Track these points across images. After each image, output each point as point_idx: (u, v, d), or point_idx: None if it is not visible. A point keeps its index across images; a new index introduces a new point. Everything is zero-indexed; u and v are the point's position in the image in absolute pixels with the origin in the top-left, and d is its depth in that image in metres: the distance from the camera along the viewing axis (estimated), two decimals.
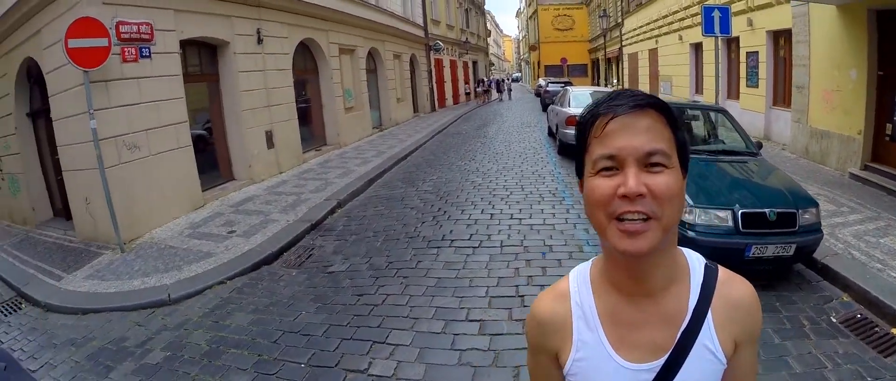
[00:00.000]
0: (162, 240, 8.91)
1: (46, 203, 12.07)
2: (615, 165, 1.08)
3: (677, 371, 1.17)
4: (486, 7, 62.74)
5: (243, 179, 12.78)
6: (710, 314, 1.20)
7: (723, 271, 1.27)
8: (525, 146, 16.73)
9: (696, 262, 1.27)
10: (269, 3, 13.81)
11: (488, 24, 71.36)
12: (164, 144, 9.97)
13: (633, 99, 1.11)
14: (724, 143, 7.96)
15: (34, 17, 9.71)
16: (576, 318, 1.26)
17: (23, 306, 7.42)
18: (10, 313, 7.25)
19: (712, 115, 8.53)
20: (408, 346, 4.96)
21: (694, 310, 1.19)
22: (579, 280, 1.30)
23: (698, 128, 8.67)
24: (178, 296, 6.69)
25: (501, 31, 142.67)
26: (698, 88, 20.05)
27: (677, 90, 21.69)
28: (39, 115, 11.30)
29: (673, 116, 1.15)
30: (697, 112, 8.88)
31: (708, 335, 1.19)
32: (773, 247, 5.52)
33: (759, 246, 5.50)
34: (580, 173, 1.21)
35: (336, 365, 4.70)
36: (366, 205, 10.48)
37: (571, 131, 13.46)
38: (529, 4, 68.87)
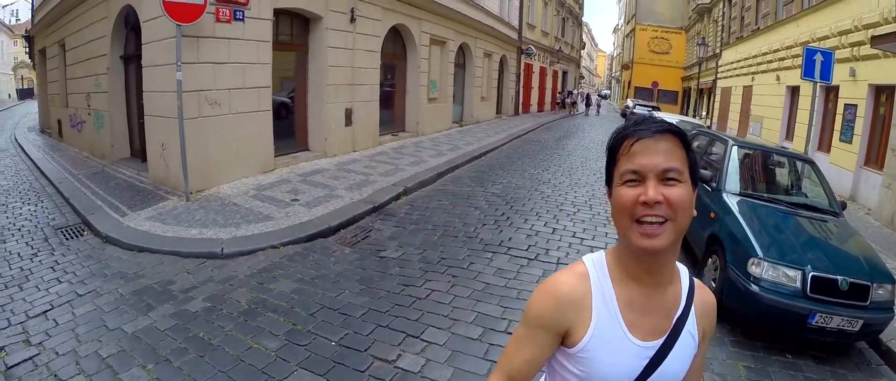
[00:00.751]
0: (227, 196, 9.07)
1: (125, 143, 12.58)
2: (638, 178, 1.35)
3: (671, 350, 1.47)
4: (584, 19, 61.94)
5: (317, 151, 12.93)
6: (693, 308, 1.54)
7: (697, 281, 1.62)
8: (602, 165, 16.18)
9: (683, 270, 1.59)
10: None
11: (584, 36, 70.43)
12: (244, 105, 10.15)
13: (657, 125, 1.39)
14: (806, 196, 7.41)
15: None
16: (595, 300, 1.46)
17: (85, 233, 7.74)
18: (72, 237, 7.57)
19: (799, 164, 8.01)
20: (440, 346, 4.80)
21: (685, 303, 1.52)
22: (597, 267, 1.52)
23: (782, 176, 8.17)
24: (230, 252, 6.77)
25: (596, 46, 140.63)
26: (789, 134, 18.99)
27: (767, 133, 20.64)
28: (131, 60, 11.75)
29: (687, 141, 1.41)
30: (784, 159, 8.40)
31: (692, 324, 1.53)
32: (839, 319, 5.02)
33: (824, 315, 5.01)
34: (609, 183, 1.46)
35: (365, 350, 4.59)
36: (431, 197, 10.39)
37: None
38: (628, 22, 67.43)
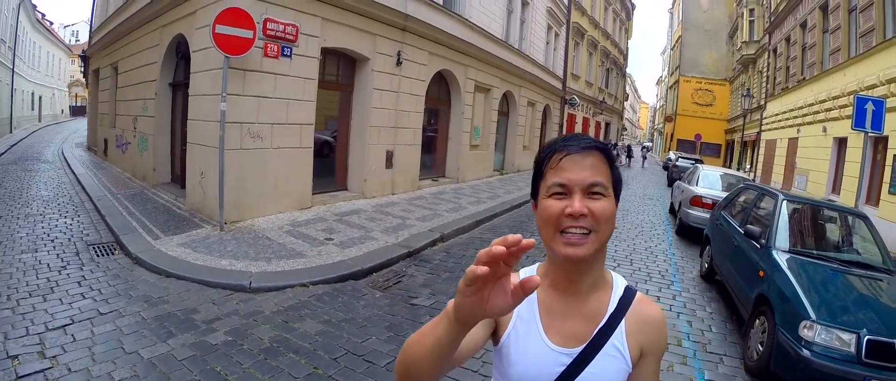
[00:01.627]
0: (261, 229, 8.93)
1: (167, 168, 12.70)
2: (565, 191, 1.38)
3: (591, 360, 1.44)
4: (627, 70, 61.74)
5: (355, 191, 12.81)
6: (623, 322, 1.49)
7: (640, 294, 1.58)
8: (643, 219, 15.81)
9: (618, 280, 1.58)
10: (414, 29, 13.96)
11: (627, 88, 70.16)
12: (286, 140, 10.11)
13: (584, 141, 1.44)
14: (858, 253, 7.01)
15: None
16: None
17: (116, 252, 7.74)
18: (103, 255, 7.57)
19: (850, 219, 7.63)
20: None
21: (611, 314, 1.49)
22: (526, 274, 1.46)
23: (833, 232, 7.75)
24: (258, 286, 6.57)
25: (639, 97, 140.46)
26: (835, 187, 18.27)
27: (812, 187, 19.91)
28: (179, 87, 11.97)
29: (612, 158, 1.47)
30: (835, 214, 8.01)
31: (619, 338, 1.47)
32: None
33: None
34: (535, 196, 1.49)
35: None
36: (468, 245, 10.10)
37: (695, 212, 12.70)
38: (671, 73, 67.02)
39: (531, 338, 1.46)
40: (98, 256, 7.47)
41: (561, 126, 32.93)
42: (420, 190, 15.37)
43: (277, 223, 9.45)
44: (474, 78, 18.50)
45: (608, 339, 1.46)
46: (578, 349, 1.44)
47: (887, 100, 11.69)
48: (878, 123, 9.77)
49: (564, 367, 1.43)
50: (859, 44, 17.24)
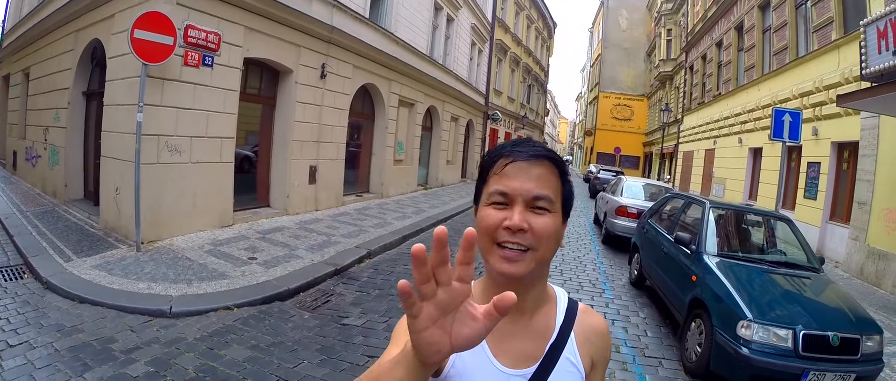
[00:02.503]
0: (180, 249, 8.57)
1: (79, 183, 12.08)
2: (506, 201, 1.27)
3: (547, 378, 1.34)
4: (548, 86, 63.03)
5: (278, 208, 12.50)
6: (572, 335, 1.43)
7: (582, 305, 1.53)
8: (569, 231, 16.09)
9: (561, 293, 1.51)
10: (340, 42, 13.83)
11: (548, 103, 71.56)
12: (206, 154, 9.76)
13: (533, 149, 1.32)
14: (784, 254, 7.45)
15: (111, 1, 9.80)
16: None
17: (25, 275, 7.26)
18: (11, 279, 7.10)
19: (774, 222, 8.08)
20: None
21: (560, 328, 1.42)
22: None
23: (759, 235, 8.17)
24: (179, 310, 6.26)
25: (559, 112, 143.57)
26: (752, 194, 19.51)
27: (730, 194, 21.11)
28: (94, 96, 11.41)
29: (564, 170, 1.35)
30: (760, 218, 8.40)
31: (571, 351, 1.41)
32: (831, 375, 4.96)
33: (817, 373, 4.95)
34: (477, 201, 1.37)
35: None
36: (396, 261, 10.01)
37: (620, 222, 13.14)
38: (591, 90, 69.17)
39: (479, 364, 1.32)
40: (6, 280, 6.97)
41: (484, 141, 33.35)
42: (344, 206, 15.16)
43: (198, 242, 9.08)
44: (399, 92, 18.48)
45: (561, 354, 1.39)
46: (532, 369, 1.35)
47: (803, 112, 12.39)
48: (795, 133, 10.42)
49: None
50: (773, 61, 18.50)
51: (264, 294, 7.09)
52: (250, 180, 12.37)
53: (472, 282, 1.26)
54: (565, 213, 1.37)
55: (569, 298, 1.51)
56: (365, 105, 17.37)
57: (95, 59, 11.29)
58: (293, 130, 12.51)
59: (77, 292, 6.47)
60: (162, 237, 8.93)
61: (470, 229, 0.94)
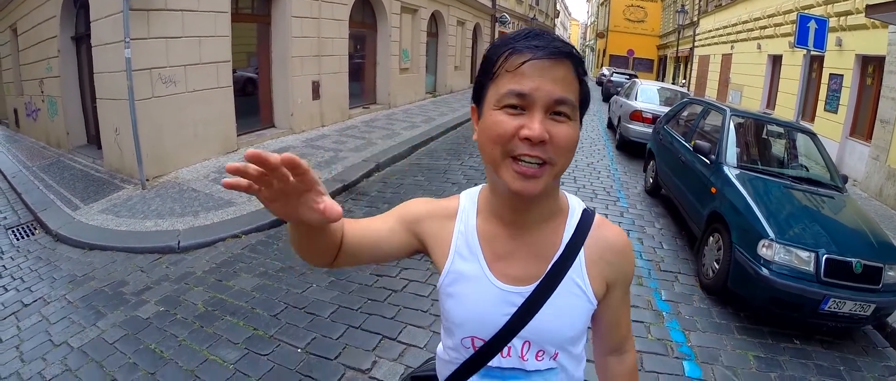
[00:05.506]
0: (186, 181, 8.53)
1: (81, 129, 11.90)
2: (522, 105, 1.10)
3: (546, 299, 1.26)
4: None
5: (283, 127, 12.35)
6: (582, 253, 1.29)
7: (599, 217, 1.37)
8: (582, 135, 15.86)
9: (576, 205, 1.36)
10: None
11: (558, 5, 69.90)
12: (202, 82, 9.52)
13: (554, 44, 1.13)
14: (807, 169, 7.08)
15: None
16: (456, 231, 1.34)
17: (36, 231, 7.27)
18: (23, 237, 7.10)
19: (796, 135, 7.62)
20: (421, 348, 4.33)
21: (567, 245, 1.29)
22: (468, 200, 1.38)
23: (782, 148, 7.73)
24: (187, 244, 6.28)
25: (570, 14, 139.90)
26: (770, 103, 18.78)
27: (747, 101, 20.37)
28: (82, 40, 11.05)
29: (584, 70, 1.20)
30: (781, 130, 7.98)
31: (578, 271, 1.29)
32: (851, 303, 4.70)
33: (837, 300, 4.68)
34: (478, 100, 1.22)
35: (335, 358, 4.11)
36: (405, 173, 9.91)
37: (635, 127, 12.68)
38: None
39: (473, 276, 1.29)
40: (18, 239, 7.00)
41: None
42: (351, 119, 14.96)
43: (202, 172, 9.02)
44: None
45: (565, 274, 1.28)
46: (531, 288, 1.27)
47: (829, 19, 11.71)
48: (820, 41, 9.80)
49: (516, 308, 1.27)
50: None
51: (271, 218, 7.03)
52: (253, 102, 12.18)
53: (478, 188, 1.41)
54: (581, 119, 1.23)
55: (584, 210, 1.37)
56: (365, 14, 16.81)
57: (78, 1, 10.95)
58: (292, 47, 12.18)
59: (87, 240, 6.49)
60: (166, 172, 8.87)
61: (288, 155, 0.89)
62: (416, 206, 1.40)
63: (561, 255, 1.29)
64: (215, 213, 7.18)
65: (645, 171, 10.26)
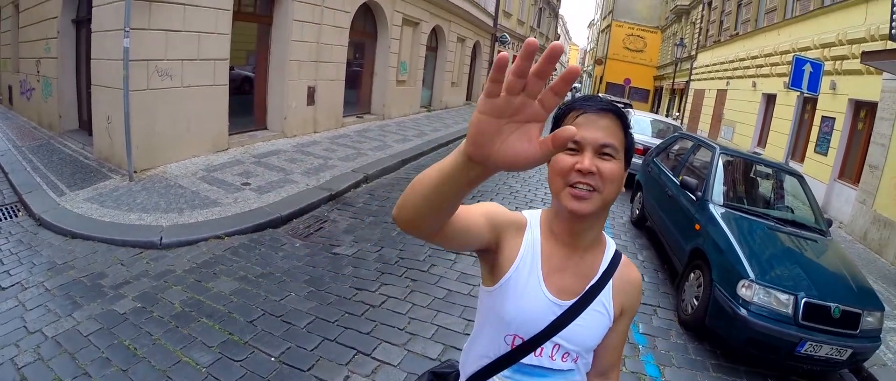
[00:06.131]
0: (173, 176, 8.51)
1: (74, 113, 11.86)
2: (577, 148, 1.45)
3: (581, 312, 1.56)
4: (560, 10, 61.60)
5: (275, 131, 12.33)
6: (611, 281, 1.62)
7: (625, 257, 1.71)
8: None
9: (610, 242, 1.70)
10: None
11: (559, 29, 70.19)
12: (198, 78, 9.53)
13: (600, 103, 1.51)
14: (792, 211, 7.16)
15: None
16: (525, 243, 1.59)
17: (20, 213, 7.18)
18: (6, 218, 7.05)
19: (784, 177, 7.74)
20: (395, 366, 4.35)
21: (603, 272, 1.62)
22: (533, 222, 1.65)
23: (768, 188, 7.89)
24: (169, 241, 6.26)
25: (570, 39, 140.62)
26: (761, 141, 19.01)
27: (739, 138, 20.60)
28: (83, 24, 11.01)
29: (627, 123, 1.54)
30: (769, 170, 8.10)
31: (606, 295, 1.61)
32: (828, 347, 4.78)
33: (814, 344, 4.77)
34: None
35: (309, 369, 4.12)
36: (393, 186, 9.92)
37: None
38: (604, 18, 67.08)
39: (531, 284, 1.55)
40: (1, 219, 6.95)
41: (491, 63, 32.24)
42: (344, 127, 14.97)
43: (191, 169, 9.01)
44: (402, 11, 17.88)
45: (597, 296, 1.59)
46: (570, 303, 1.56)
47: (824, 63, 11.89)
48: (814, 84, 9.95)
49: (556, 316, 1.55)
50: (796, 6, 17.50)
51: (256, 222, 7.08)
52: (248, 102, 12.17)
53: (539, 210, 1.69)
54: (627, 161, 1.54)
55: (616, 249, 1.70)
56: (367, 23, 16.86)
57: None
58: (291, 50, 12.19)
59: (69, 228, 6.44)
60: (155, 165, 8.86)
61: (575, 67, 0.87)
62: (500, 211, 1.59)
63: (598, 280, 1.60)
64: (200, 212, 7.17)
65: (632, 202, 10.35)
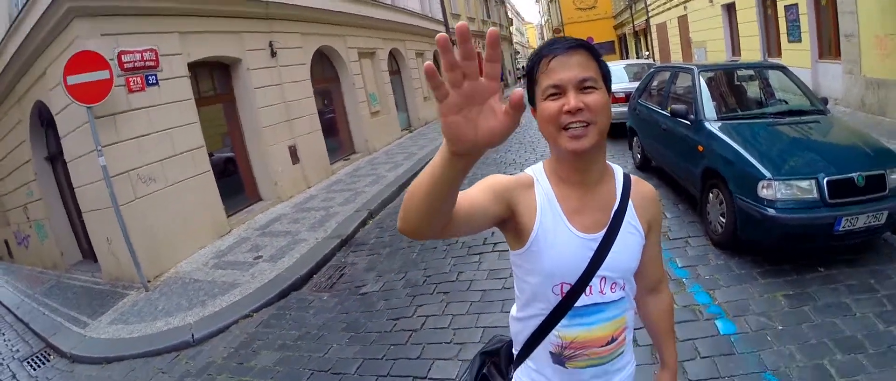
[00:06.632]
0: (186, 273, 8.48)
1: (74, 246, 11.84)
2: (559, 91, 1.47)
3: (614, 240, 1.60)
4: None
5: (270, 198, 12.31)
6: (630, 202, 1.67)
7: (634, 177, 1.75)
8: None
9: (617, 168, 1.73)
10: (280, 14, 13.28)
11: (509, 13, 70.38)
12: (181, 172, 9.54)
13: (567, 42, 1.52)
14: (786, 103, 7.20)
15: (38, 59, 9.41)
16: (538, 196, 1.60)
17: (51, 357, 7.12)
18: (39, 366, 6.95)
19: (767, 73, 7.77)
20: (454, 379, 4.31)
21: (621, 197, 1.65)
22: (537, 173, 1.67)
23: (756, 89, 7.91)
24: (201, 336, 6.22)
25: (523, 19, 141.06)
26: (735, 51, 19.10)
27: (713, 55, 20.72)
28: (56, 158, 11.06)
29: (597, 53, 1.54)
30: (751, 72, 8.11)
31: (631, 216, 1.66)
32: (864, 217, 4.76)
33: (849, 218, 4.74)
34: (532, 102, 1.57)
35: None
36: (397, 213, 9.81)
37: (613, 109, 12.82)
38: None
39: (559, 230, 1.57)
40: (35, 369, 6.87)
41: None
42: (335, 174, 14.92)
43: (201, 261, 8.97)
44: (355, 45, 17.91)
45: (624, 219, 1.63)
46: (601, 234, 1.60)
47: None
48: None
49: (593, 251, 1.58)
50: None
51: (278, 289, 7.03)
52: (236, 181, 12.17)
53: (541, 163, 1.71)
54: (608, 87, 1.55)
55: (624, 172, 1.74)
56: (326, 68, 16.91)
57: (44, 120, 10.95)
58: (260, 118, 12.20)
59: (102, 354, 6.41)
60: (166, 269, 8.83)
61: (493, 29, 0.99)
62: (502, 179, 1.61)
63: (618, 205, 1.64)
64: (222, 298, 7.14)
65: (631, 148, 10.39)
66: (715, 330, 4.38)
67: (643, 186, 1.76)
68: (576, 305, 1.61)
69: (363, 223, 9.49)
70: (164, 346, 6.19)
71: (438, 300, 5.85)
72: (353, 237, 8.90)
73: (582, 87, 1.46)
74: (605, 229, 1.60)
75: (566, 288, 1.60)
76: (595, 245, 1.59)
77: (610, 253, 1.59)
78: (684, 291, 5.12)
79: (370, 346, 5.15)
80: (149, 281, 8.25)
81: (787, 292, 4.77)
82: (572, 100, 1.44)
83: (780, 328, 4.29)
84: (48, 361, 7.02)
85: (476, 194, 1.51)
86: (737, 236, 5.49)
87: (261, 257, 8.46)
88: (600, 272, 1.59)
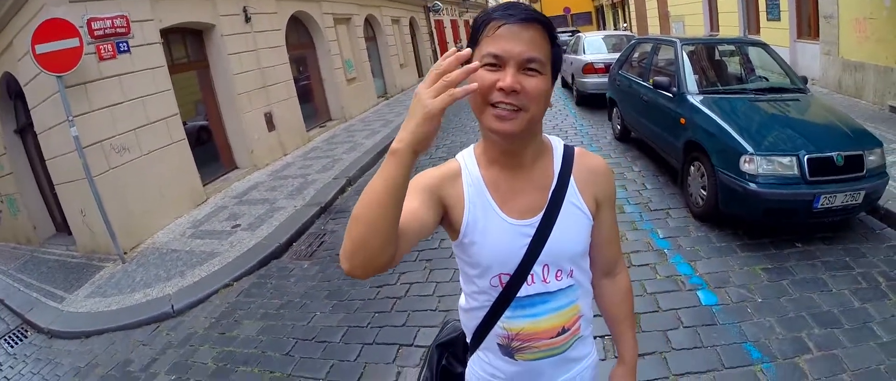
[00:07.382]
0: (163, 244, 8.35)
1: (47, 220, 11.60)
2: (498, 62, 1.31)
3: (553, 224, 1.47)
4: None
5: (246, 166, 12.15)
6: (572, 179, 1.53)
7: (579, 149, 1.61)
8: None
9: (556, 142, 1.59)
10: None
11: None
12: (155, 141, 9.34)
13: (525, 12, 1.34)
14: (767, 80, 7.28)
15: (4, 29, 9.12)
16: (465, 184, 1.49)
17: (28, 333, 7.01)
18: (17, 342, 6.85)
19: (749, 50, 7.82)
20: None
21: (559, 175, 1.52)
22: (467, 159, 1.55)
23: (735, 65, 7.97)
24: (181, 306, 6.14)
25: None
26: (714, 26, 19.00)
27: (691, 29, 20.57)
28: (26, 131, 10.77)
29: (554, 33, 1.39)
30: (733, 47, 8.14)
31: (573, 195, 1.52)
32: (841, 195, 4.91)
33: (828, 195, 4.88)
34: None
35: (359, 379, 4.09)
36: None
37: (590, 79, 12.83)
38: None
39: (489, 219, 1.47)
40: (12, 346, 6.77)
41: (431, 35, 32.22)
42: (312, 141, 14.76)
43: (178, 231, 8.83)
44: (331, 11, 17.61)
45: (563, 199, 1.49)
46: (537, 218, 1.47)
47: None
48: None
49: (530, 238, 1.46)
50: None
51: (258, 258, 6.97)
52: (212, 149, 11.97)
53: (472, 145, 1.58)
54: (554, 75, 1.40)
55: (565, 144, 1.59)
56: (301, 35, 16.62)
57: (12, 92, 10.67)
58: (236, 85, 12.00)
59: (81, 329, 6.32)
60: (142, 240, 8.69)
61: (463, 52, 1.14)
62: (428, 176, 1.51)
63: (556, 184, 1.50)
64: (201, 268, 7.05)
65: (610, 119, 10.36)
66: (697, 301, 4.47)
67: (590, 159, 1.62)
68: (518, 295, 1.51)
69: (342, 191, 9.42)
70: (144, 318, 6.10)
71: (422, 268, 5.83)
72: (333, 204, 8.84)
73: (525, 66, 1.31)
74: (541, 213, 1.48)
75: (505, 278, 1.50)
76: (531, 231, 1.47)
77: (549, 238, 1.47)
78: (666, 261, 5.20)
79: (354, 313, 5.12)
80: (125, 253, 8.12)
81: (765, 265, 4.88)
82: (509, 78, 1.28)
83: (760, 300, 4.40)
84: (26, 337, 6.92)
85: (411, 202, 1.39)
86: (718, 209, 5.59)
87: (239, 225, 8.36)
88: (541, 260, 1.48)
